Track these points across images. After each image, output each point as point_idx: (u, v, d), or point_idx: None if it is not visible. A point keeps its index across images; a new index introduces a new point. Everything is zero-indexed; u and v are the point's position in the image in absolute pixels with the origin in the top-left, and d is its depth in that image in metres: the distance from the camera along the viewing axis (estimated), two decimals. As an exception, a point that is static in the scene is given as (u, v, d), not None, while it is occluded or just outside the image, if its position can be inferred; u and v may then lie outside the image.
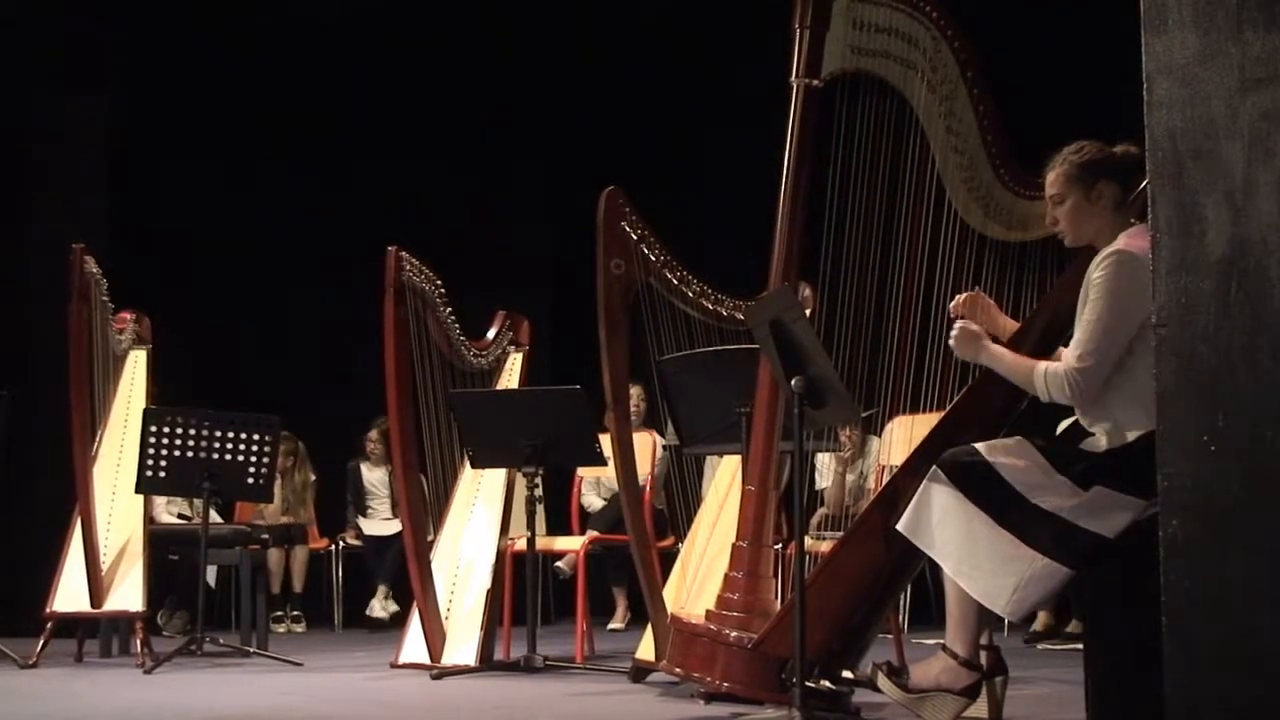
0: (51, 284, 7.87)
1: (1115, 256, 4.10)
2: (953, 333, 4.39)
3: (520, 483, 6.68)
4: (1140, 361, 4.04)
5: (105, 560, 7.19)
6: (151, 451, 6.89)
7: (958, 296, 4.53)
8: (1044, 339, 4.41)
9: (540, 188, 11.30)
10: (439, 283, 6.75)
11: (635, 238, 5.71)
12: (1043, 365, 4.21)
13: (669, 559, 6.60)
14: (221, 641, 7.09)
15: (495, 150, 10.80)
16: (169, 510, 8.80)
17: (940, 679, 4.27)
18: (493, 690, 5.90)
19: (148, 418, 6.95)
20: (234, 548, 7.92)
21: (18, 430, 7.26)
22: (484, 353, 7.04)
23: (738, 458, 5.73)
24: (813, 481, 8.54)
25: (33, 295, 9.07)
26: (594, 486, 9.04)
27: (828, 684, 4.43)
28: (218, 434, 6.94)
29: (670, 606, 5.72)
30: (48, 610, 7.10)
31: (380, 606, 9.74)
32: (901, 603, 8.11)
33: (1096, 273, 4.12)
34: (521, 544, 6.60)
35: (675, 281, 5.67)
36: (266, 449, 7.00)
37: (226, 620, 9.10)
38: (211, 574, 8.88)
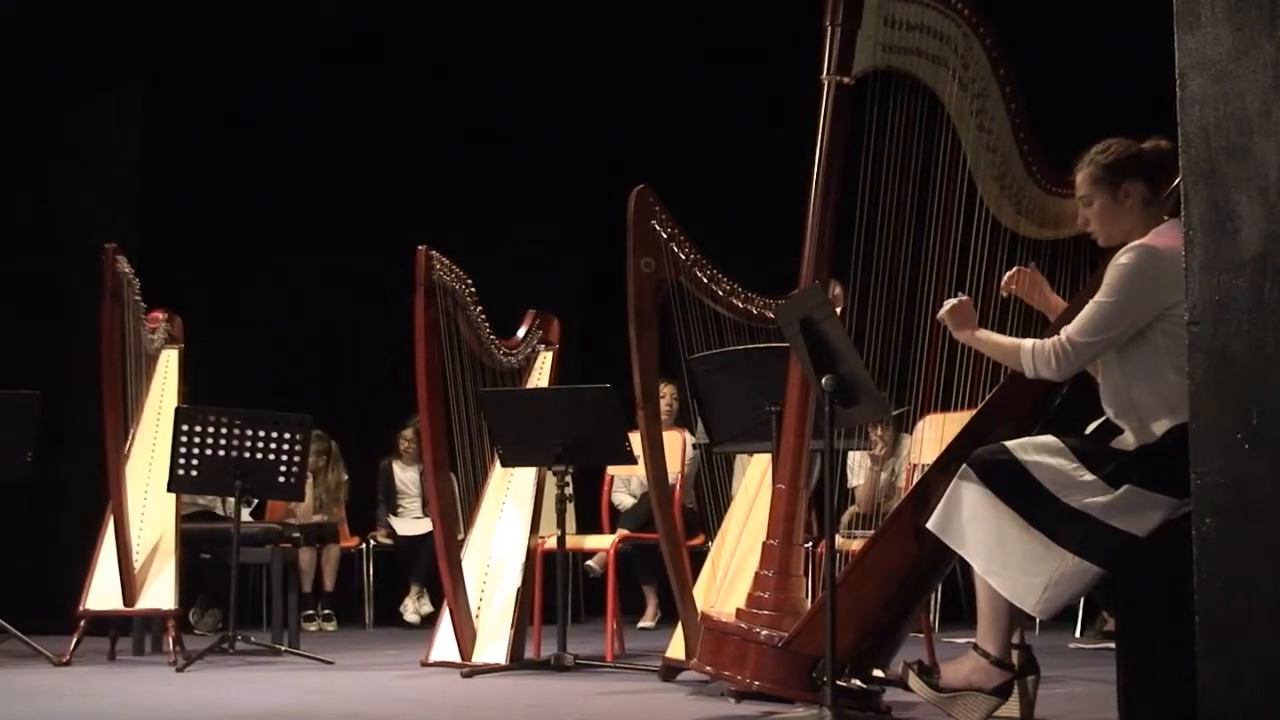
0: (84, 284, 7.90)
1: (1139, 249, 4.09)
2: (948, 303, 4.39)
3: (550, 481, 6.67)
4: (1164, 358, 4.03)
5: (137, 559, 7.21)
6: (183, 450, 6.91)
7: (1011, 272, 4.52)
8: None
9: (570, 186, 11.31)
10: (469, 282, 6.76)
11: (665, 236, 5.71)
12: (1029, 342, 4.23)
13: (699, 558, 6.60)
14: (253, 640, 7.11)
15: (525, 148, 10.81)
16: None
17: (971, 678, 4.26)
18: (523, 689, 5.90)
19: (180, 417, 6.97)
20: (265, 546, 7.94)
21: (51, 429, 7.30)
22: (514, 351, 7.03)
23: (768, 456, 5.72)
24: (844, 480, 8.53)
25: (65, 295, 9.11)
26: (624, 485, 9.04)
27: (858, 683, 4.42)
28: (249, 433, 6.95)
29: (700, 605, 5.72)
30: (81, 608, 7.13)
31: (413, 608, 9.77)
32: (932, 601, 8.09)
33: (1116, 260, 4.12)
34: (552, 542, 6.60)
35: (705, 280, 5.67)
36: (298, 448, 7.01)
37: (258, 619, 9.13)
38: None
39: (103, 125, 9.57)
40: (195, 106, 9.98)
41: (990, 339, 4.37)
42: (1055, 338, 4.17)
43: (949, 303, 4.41)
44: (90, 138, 9.53)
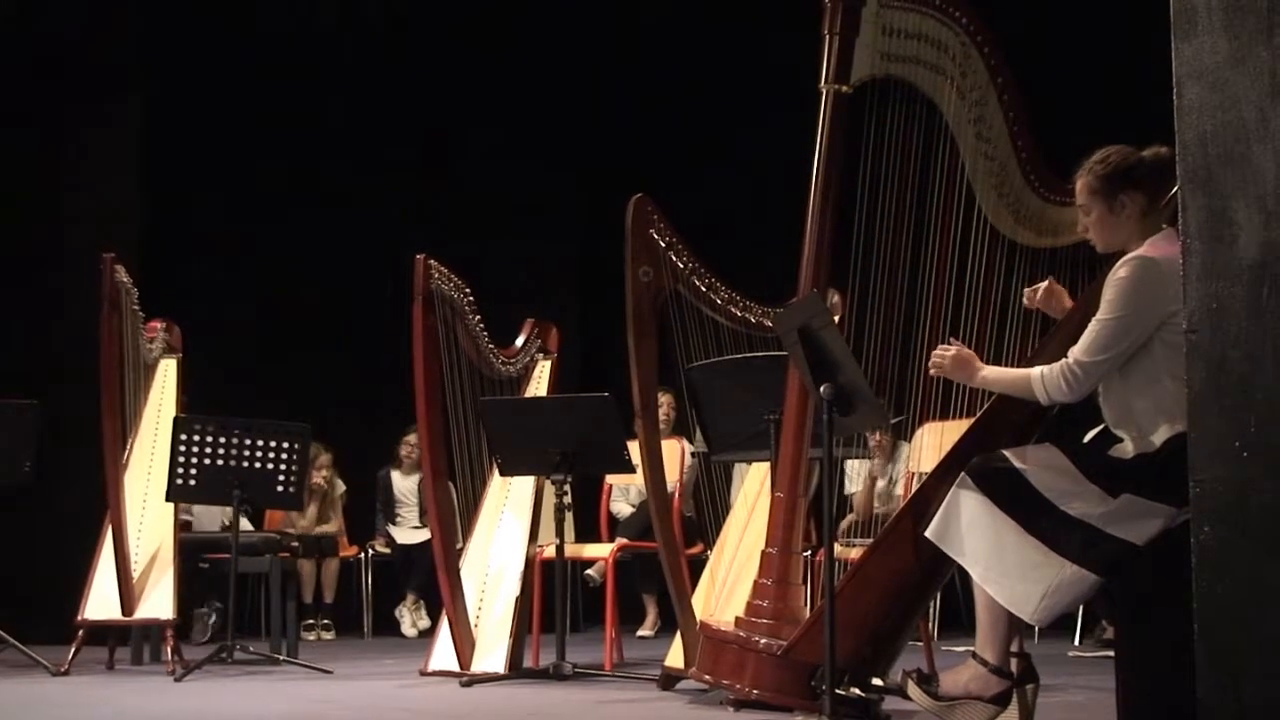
0: (82, 293, 7.90)
1: (1135, 260, 4.09)
2: (943, 356, 4.37)
3: (549, 490, 6.67)
4: (1162, 367, 4.03)
5: (136, 568, 7.21)
6: (182, 460, 6.91)
7: (1035, 287, 4.51)
8: (1071, 342, 4.39)
9: (568, 194, 11.31)
10: (468, 291, 6.77)
11: (663, 245, 5.71)
12: (1038, 369, 4.21)
13: (698, 566, 6.60)
14: (251, 649, 7.11)
15: (524, 157, 10.82)
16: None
17: (970, 686, 4.26)
18: (522, 698, 5.89)
19: (178, 426, 6.97)
20: (264, 555, 7.94)
21: (49, 439, 7.29)
22: (513, 360, 7.04)
23: (766, 465, 5.72)
24: (842, 488, 8.53)
25: (63, 304, 9.10)
26: (623, 494, 9.04)
27: (857, 691, 4.43)
28: (248, 442, 6.95)
29: (699, 613, 5.72)
30: (79, 618, 7.12)
31: (410, 620, 9.75)
32: (931, 610, 8.09)
33: (1114, 275, 4.11)
34: (550, 551, 6.60)
35: (703, 288, 5.67)
36: (296, 457, 7.01)
37: (257, 628, 9.12)
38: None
39: (103, 133, 9.57)
40: (193, 113, 9.98)
41: (1000, 376, 4.35)
42: (1063, 361, 4.15)
43: (945, 356, 4.38)
44: (90, 145, 9.53)
